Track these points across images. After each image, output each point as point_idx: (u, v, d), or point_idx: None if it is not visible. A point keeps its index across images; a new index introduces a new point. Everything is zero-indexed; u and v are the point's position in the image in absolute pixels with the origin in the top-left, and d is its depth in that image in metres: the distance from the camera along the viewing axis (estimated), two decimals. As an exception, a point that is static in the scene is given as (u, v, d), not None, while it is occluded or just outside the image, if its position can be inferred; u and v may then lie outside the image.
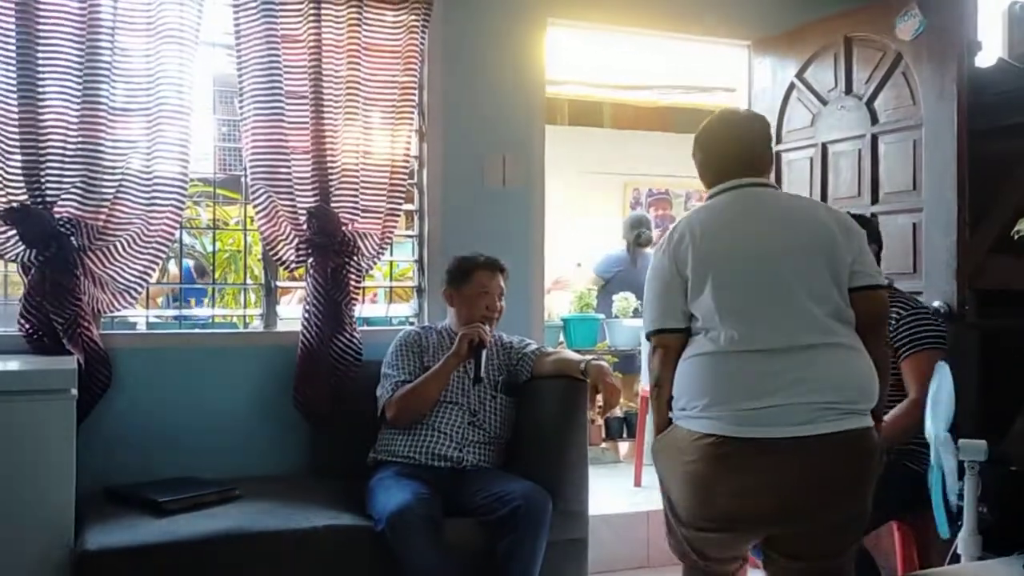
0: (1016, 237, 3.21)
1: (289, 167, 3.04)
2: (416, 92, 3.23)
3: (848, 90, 3.47)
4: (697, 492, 2.07)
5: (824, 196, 3.55)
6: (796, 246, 2.11)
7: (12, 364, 2.57)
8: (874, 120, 3.36)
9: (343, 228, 3.07)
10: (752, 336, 2.05)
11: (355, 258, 3.09)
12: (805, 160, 3.64)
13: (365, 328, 3.21)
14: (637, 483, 4.35)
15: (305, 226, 3.04)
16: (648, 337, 2.24)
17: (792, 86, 3.71)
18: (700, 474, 2.04)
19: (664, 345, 2.17)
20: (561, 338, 4.54)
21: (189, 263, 4.60)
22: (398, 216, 3.26)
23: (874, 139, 3.35)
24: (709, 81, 6.18)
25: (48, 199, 2.77)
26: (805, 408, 1.99)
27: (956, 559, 2.60)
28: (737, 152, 2.25)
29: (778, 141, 3.76)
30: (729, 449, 2.00)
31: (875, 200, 3.34)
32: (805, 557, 2.10)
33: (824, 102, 3.57)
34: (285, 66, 3.02)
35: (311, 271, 3.06)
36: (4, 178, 2.75)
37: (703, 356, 2.09)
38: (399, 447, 2.80)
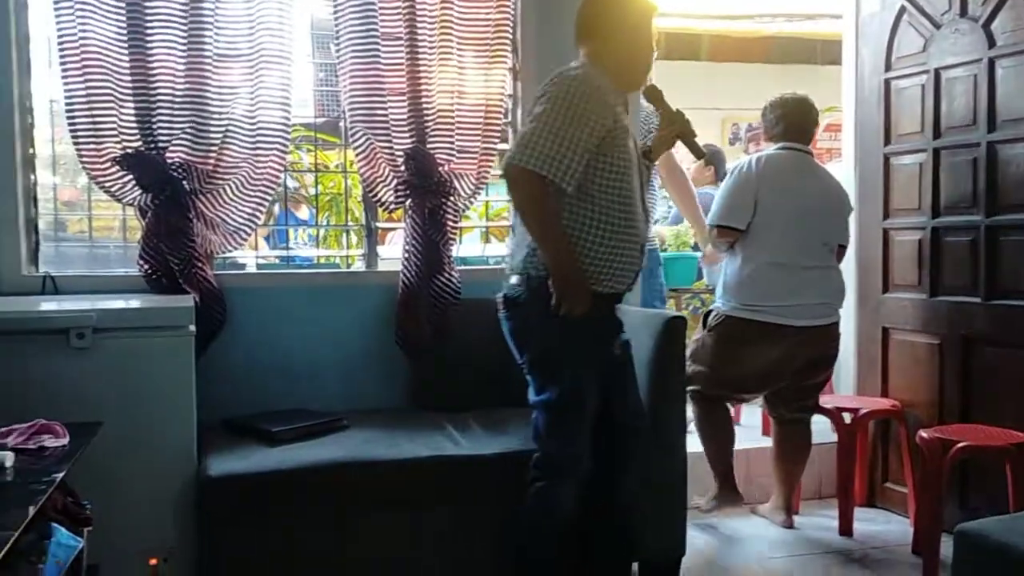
0: None
1: (386, 109, 3.08)
2: (510, 30, 3.22)
3: (963, 12, 3.28)
4: (745, 360, 3.30)
5: (937, 125, 3.39)
6: (823, 208, 3.34)
7: (134, 302, 2.71)
8: (991, 43, 3.17)
9: (439, 169, 3.11)
10: (789, 257, 3.25)
11: (452, 199, 3.13)
12: (916, 88, 3.47)
13: (463, 267, 3.25)
14: (736, 421, 4.32)
15: (403, 167, 3.09)
16: (712, 226, 3.40)
17: (903, 9, 3.52)
18: (748, 344, 3.29)
19: (722, 236, 3.37)
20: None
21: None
22: (493, 156, 3.27)
23: (991, 64, 3.17)
24: (814, 7, 5.94)
25: (160, 145, 2.89)
26: (817, 307, 3.27)
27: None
28: (806, 125, 3.42)
29: (887, 68, 3.60)
30: (770, 329, 3.26)
31: (991, 129, 3.17)
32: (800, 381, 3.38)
33: (937, 25, 3.39)
34: (380, 6, 3.04)
35: (409, 212, 3.11)
36: (119, 125, 2.88)
37: (758, 267, 3.27)
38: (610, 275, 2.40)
